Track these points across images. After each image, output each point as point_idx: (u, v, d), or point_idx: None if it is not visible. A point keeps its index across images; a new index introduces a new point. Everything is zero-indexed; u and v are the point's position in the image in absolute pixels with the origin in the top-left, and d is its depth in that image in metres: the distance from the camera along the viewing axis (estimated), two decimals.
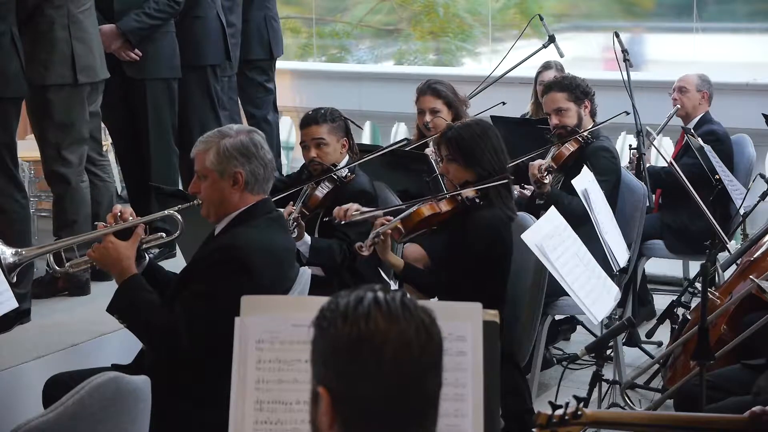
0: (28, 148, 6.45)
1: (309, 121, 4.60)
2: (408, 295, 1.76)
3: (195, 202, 3.51)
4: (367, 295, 1.72)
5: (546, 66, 6.30)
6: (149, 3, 5.51)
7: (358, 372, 1.69)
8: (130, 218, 3.54)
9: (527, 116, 6.28)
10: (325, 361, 1.72)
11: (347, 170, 4.54)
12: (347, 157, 4.63)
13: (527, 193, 5.13)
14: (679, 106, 6.15)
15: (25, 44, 4.91)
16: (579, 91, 5.22)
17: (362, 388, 1.69)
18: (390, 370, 1.68)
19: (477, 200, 4.12)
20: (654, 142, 5.75)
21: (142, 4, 5.52)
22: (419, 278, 4.19)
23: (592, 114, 5.29)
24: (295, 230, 4.27)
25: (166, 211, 3.63)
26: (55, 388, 3.45)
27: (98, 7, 5.25)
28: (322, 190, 4.49)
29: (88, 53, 5.03)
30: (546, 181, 4.95)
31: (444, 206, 4.18)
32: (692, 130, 5.77)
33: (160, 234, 3.70)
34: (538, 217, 4.18)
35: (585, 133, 5.16)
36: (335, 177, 4.51)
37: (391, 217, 4.14)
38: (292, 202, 4.43)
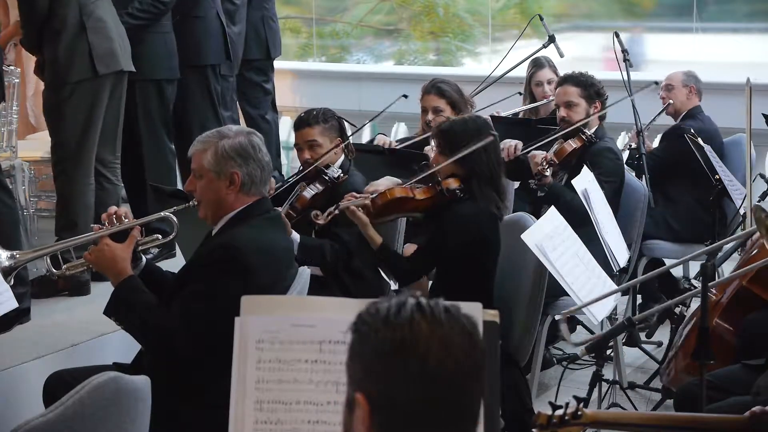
0: (28, 148, 6.45)
1: (301, 123, 4.60)
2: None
3: (191, 203, 3.51)
4: (409, 301, 1.69)
5: (539, 65, 6.22)
6: (133, 3, 5.47)
7: (401, 377, 1.64)
8: (126, 220, 3.54)
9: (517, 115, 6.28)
10: (366, 367, 1.67)
11: (340, 171, 4.53)
12: (342, 157, 4.63)
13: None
14: (671, 101, 6.13)
15: (44, 48, 4.94)
16: (593, 90, 5.24)
17: (404, 393, 1.65)
18: (434, 375, 1.64)
19: (458, 192, 4.09)
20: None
21: (127, 4, 5.46)
22: (393, 260, 4.18)
23: (601, 117, 5.28)
24: None
25: (161, 213, 3.63)
26: (56, 385, 3.46)
27: None
28: (310, 191, 4.48)
29: (105, 41, 5.01)
30: (547, 174, 4.95)
31: (420, 193, 4.15)
32: (692, 131, 5.75)
33: (156, 235, 3.70)
34: (541, 212, 4.17)
35: (589, 133, 5.17)
36: (326, 178, 4.50)
37: (358, 194, 4.16)
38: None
